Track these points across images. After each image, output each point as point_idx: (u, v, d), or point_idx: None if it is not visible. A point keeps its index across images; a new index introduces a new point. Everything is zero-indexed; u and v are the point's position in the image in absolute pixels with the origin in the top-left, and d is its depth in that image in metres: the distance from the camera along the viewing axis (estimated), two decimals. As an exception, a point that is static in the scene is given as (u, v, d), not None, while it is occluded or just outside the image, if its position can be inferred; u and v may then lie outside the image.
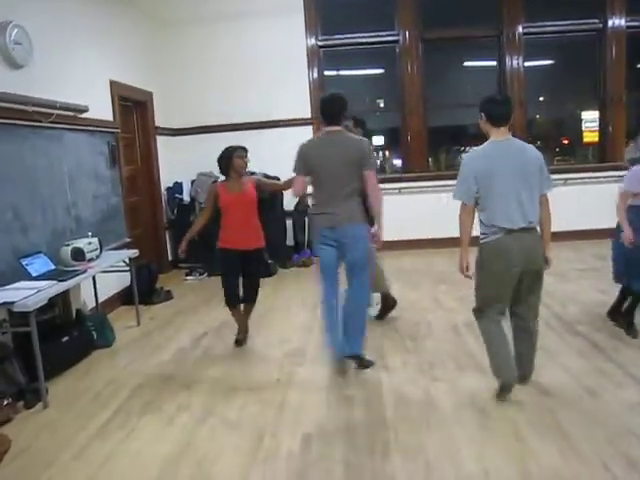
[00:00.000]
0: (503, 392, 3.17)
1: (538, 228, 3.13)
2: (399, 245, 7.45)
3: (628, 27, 7.60)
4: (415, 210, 7.49)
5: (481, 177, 3.07)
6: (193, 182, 7.35)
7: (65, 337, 4.17)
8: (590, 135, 9.69)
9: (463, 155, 3.65)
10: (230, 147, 4.31)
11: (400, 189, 7.58)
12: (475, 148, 3.29)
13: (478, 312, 3.27)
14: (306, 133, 7.50)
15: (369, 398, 3.35)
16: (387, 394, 3.37)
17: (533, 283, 3.12)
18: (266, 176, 7.13)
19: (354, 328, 3.65)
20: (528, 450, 2.68)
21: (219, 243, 4.31)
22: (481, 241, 3.15)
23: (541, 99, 10.79)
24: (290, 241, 7.47)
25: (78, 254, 4.30)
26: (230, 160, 4.21)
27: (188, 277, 6.95)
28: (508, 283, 3.07)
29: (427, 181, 7.65)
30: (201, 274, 6.97)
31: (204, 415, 3.26)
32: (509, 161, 3.06)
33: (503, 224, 3.02)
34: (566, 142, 11.53)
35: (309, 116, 7.59)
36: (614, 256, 4.31)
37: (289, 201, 7.26)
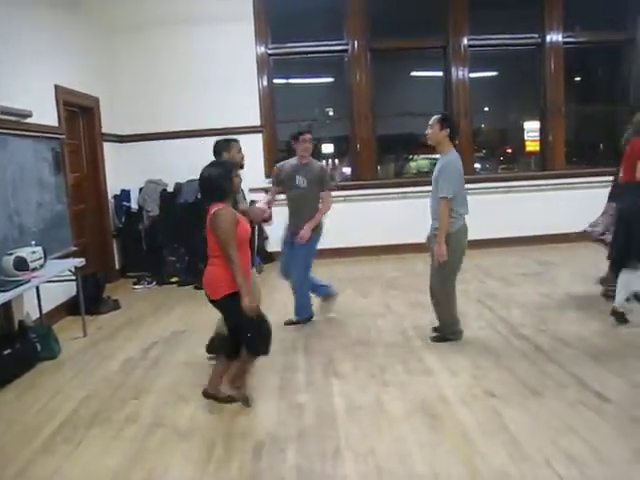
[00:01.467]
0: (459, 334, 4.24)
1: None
2: (349, 252, 7.54)
3: (565, 42, 7.96)
4: (364, 218, 7.57)
5: (460, 176, 4.07)
6: (141, 190, 7.23)
7: (7, 350, 4.02)
8: (532, 144, 10.05)
9: (452, 158, 4.08)
10: (225, 161, 3.74)
11: (345, 197, 7.62)
12: (451, 155, 4.11)
13: (450, 283, 4.21)
14: (256, 141, 7.52)
15: (320, 404, 3.37)
16: (338, 400, 3.39)
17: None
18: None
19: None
20: (476, 451, 2.75)
21: (233, 287, 3.20)
22: (452, 226, 4.04)
23: (486, 109, 11.13)
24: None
25: (21, 264, 4.17)
26: (232, 181, 3.34)
27: (137, 286, 6.81)
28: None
29: (376, 189, 7.74)
30: (149, 283, 6.85)
31: (153, 426, 3.21)
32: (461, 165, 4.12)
33: (466, 212, 4.14)
34: (510, 151, 11.92)
35: (259, 123, 7.58)
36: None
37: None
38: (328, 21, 7.86)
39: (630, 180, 4.46)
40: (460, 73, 7.87)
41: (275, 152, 7.70)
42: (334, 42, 7.86)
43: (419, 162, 9.99)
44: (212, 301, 3.31)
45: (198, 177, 3.30)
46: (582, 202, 7.62)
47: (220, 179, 3.24)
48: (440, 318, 4.33)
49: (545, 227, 7.65)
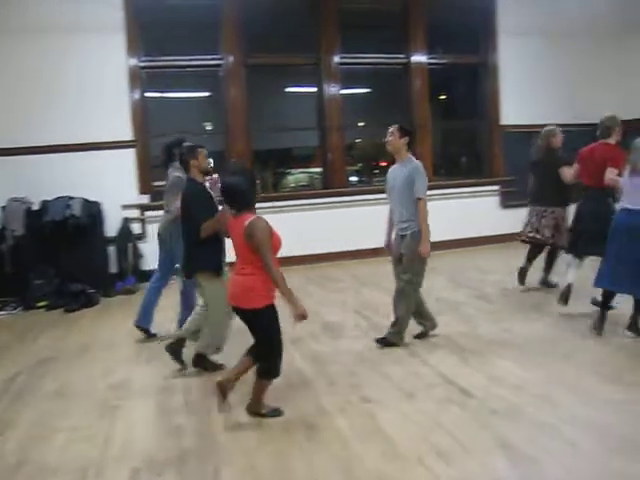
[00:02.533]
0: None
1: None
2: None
3: (429, 63, 8.50)
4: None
5: None
6: (4, 208, 6.70)
7: None
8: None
9: (419, 163, 4.33)
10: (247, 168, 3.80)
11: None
12: (414, 161, 4.35)
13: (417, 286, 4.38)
14: (127, 156, 7.26)
15: (199, 425, 3.32)
16: (217, 419, 3.35)
17: None
18: (87, 202, 6.80)
19: None
20: (353, 455, 2.85)
21: (269, 299, 3.22)
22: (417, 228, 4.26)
23: (361, 124, 11.56)
24: (113, 268, 7.10)
25: None
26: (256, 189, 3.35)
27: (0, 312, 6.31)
28: None
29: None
30: (14, 308, 6.37)
31: (18, 464, 2.98)
32: None
33: None
34: (384, 164, 12.48)
35: (131, 138, 7.33)
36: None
37: (111, 226, 6.97)
38: (203, 35, 7.79)
39: (594, 185, 4.88)
40: (332, 89, 8.12)
41: (149, 167, 7.48)
42: (209, 56, 7.80)
43: (297, 176, 10.19)
44: (242, 311, 3.21)
45: (225, 185, 3.27)
46: (451, 211, 8.23)
47: (249, 187, 3.24)
48: (399, 317, 4.40)
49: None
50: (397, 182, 4.37)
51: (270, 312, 3.20)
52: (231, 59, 7.73)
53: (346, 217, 7.85)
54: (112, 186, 7.04)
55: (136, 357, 4.57)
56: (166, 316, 5.12)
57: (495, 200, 8.74)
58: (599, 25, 8.85)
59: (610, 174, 4.71)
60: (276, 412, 3.35)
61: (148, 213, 7.28)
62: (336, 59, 8.13)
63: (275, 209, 7.64)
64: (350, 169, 10.47)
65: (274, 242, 3.19)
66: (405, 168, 4.33)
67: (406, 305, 4.38)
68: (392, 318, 4.45)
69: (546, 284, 5.88)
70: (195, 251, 3.97)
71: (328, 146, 8.13)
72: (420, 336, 4.54)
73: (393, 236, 4.58)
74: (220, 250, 4.03)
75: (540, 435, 2.94)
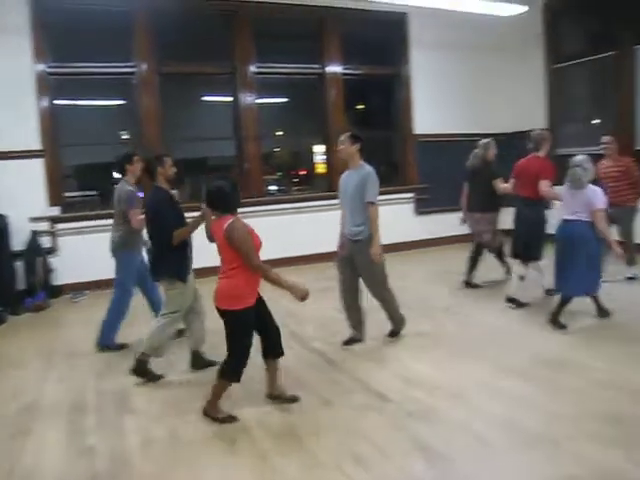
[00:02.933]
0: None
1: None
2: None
3: (344, 74, 8.65)
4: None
5: None
6: None
7: None
8: (321, 166, 10.74)
9: (372, 169, 4.44)
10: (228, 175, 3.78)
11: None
12: (367, 166, 4.45)
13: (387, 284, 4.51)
14: (36, 166, 6.93)
15: (112, 445, 3.19)
16: (132, 437, 3.25)
17: None
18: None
19: None
20: (272, 467, 2.84)
21: (250, 300, 3.36)
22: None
23: (280, 133, 11.62)
24: (21, 284, 6.73)
25: None
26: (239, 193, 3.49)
27: None
28: None
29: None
30: None
31: None
32: None
33: None
34: (303, 173, 12.62)
35: (39, 148, 6.99)
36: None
37: (18, 240, 6.61)
38: (115, 42, 7.54)
39: (529, 196, 5.29)
40: (248, 99, 8.09)
41: (59, 178, 7.16)
42: (122, 64, 7.56)
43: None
44: (223, 312, 3.31)
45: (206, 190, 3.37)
46: (383, 218, 8.38)
47: (232, 191, 3.36)
48: (393, 316, 4.63)
49: (331, 245, 8.18)
50: (349, 188, 4.47)
51: (248, 314, 3.32)
52: (144, 67, 7.54)
53: (264, 227, 7.80)
54: (19, 198, 6.67)
55: (46, 376, 4.33)
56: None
57: (410, 207, 9.01)
58: (500, 42, 9.37)
59: (544, 186, 5.18)
60: (231, 418, 3.37)
61: (60, 225, 6.97)
62: (252, 68, 8.10)
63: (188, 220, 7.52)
64: (269, 178, 10.52)
65: (255, 241, 3.32)
66: (358, 174, 4.43)
67: (388, 303, 4.60)
68: (308, 325, 4.52)
69: (470, 285, 6.22)
70: (162, 257, 4.05)
71: (245, 155, 8.09)
72: (349, 342, 4.60)
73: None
74: (186, 256, 4.15)
75: (453, 434, 3.05)
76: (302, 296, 3.35)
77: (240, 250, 3.23)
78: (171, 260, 4.03)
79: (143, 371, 4.04)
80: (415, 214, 9.00)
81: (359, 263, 4.44)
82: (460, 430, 3.09)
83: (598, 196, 4.51)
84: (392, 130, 9.38)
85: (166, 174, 4.16)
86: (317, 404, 3.54)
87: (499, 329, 4.81)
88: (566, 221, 4.64)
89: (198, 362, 4.25)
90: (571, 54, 8.81)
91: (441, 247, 8.71)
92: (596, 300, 4.81)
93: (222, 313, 3.34)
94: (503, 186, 5.82)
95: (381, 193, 8.51)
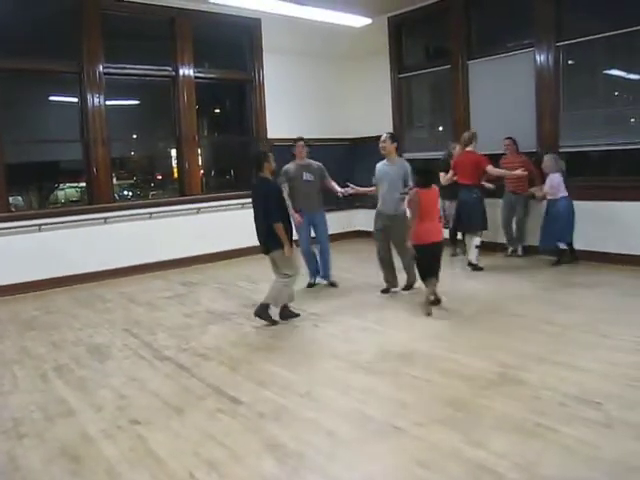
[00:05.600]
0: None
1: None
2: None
3: (196, 77, 8.54)
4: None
5: None
6: None
7: None
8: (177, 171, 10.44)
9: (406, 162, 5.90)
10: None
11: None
12: (403, 159, 6.09)
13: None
14: None
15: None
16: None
17: None
18: None
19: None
20: (120, 481, 2.72)
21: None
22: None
23: (134, 136, 11.16)
24: None
25: None
26: None
27: None
28: None
29: (8, 222, 6.96)
30: None
31: None
32: None
33: None
34: (160, 177, 12.22)
35: None
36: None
37: None
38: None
39: (468, 182, 6.83)
40: (96, 100, 7.68)
41: None
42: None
43: (67, 191, 9.44)
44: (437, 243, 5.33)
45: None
46: (221, 223, 8.36)
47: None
48: (410, 271, 5.91)
49: (188, 250, 8.06)
50: (390, 176, 5.76)
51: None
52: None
53: (112, 234, 7.50)
54: None
55: None
56: None
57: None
58: (351, 51, 9.83)
59: (492, 170, 6.84)
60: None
61: None
62: (100, 68, 7.71)
63: (33, 228, 7.00)
64: (124, 183, 10.07)
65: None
66: (398, 166, 5.78)
67: (409, 261, 5.73)
68: (159, 333, 4.46)
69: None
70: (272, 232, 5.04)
71: (93, 159, 7.66)
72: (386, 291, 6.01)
73: None
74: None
75: (304, 431, 3.13)
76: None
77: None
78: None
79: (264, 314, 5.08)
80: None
81: (394, 231, 5.73)
82: (311, 426, 3.18)
83: None
84: (247, 134, 9.41)
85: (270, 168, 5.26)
86: (169, 413, 3.44)
87: (352, 327, 5.00)
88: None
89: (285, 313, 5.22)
90: (412, 65, 9.45)
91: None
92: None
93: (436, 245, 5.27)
94: (444, 177, 7.26)
95: (234, 197, 8.63)
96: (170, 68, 8.40)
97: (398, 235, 5.70)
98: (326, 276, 6.53)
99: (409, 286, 6.00)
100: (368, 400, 3.48)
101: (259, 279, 6.93)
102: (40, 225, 7.03)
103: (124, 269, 7.55)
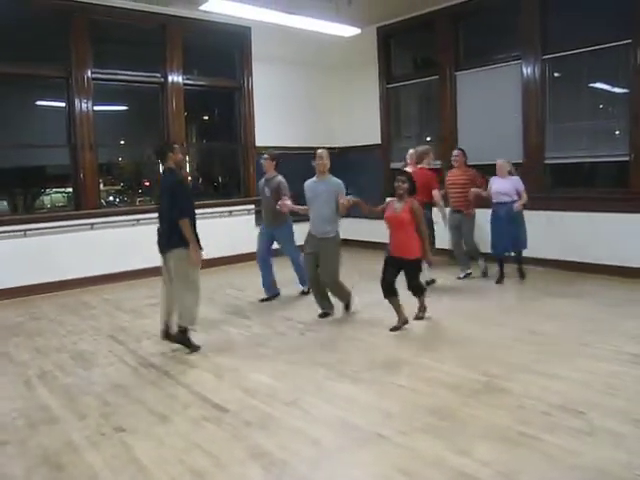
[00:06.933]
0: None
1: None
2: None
3: (185, 84, 8.55)
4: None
5: None
6: None
7: None
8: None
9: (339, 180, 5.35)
10: None
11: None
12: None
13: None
14: None
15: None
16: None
17: None
18: None
19: None
20: (101, 489, 2.71)
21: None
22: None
23: (122, 142, 11.11)
24: None
25: None
26: None
27: None
28: None
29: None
30: None
31: None
32: None
33: None
34: (147, 184, 12.19)
35: None
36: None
37: None
38: None
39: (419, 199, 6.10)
40: (84, 105, 7.65)
41: None
42: None
43: (53, 196, 9.37)
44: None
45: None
46: (209, 230, 8.32)
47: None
48: (342, 295, 5.51)
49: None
50: (322, 195, 5.28)
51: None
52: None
53: (99, 240, 7.47)
54: None
55: None
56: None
57: (251, 219, 9.06)
58: (340, 61, 9.90)
59: (437, 196, 6.55)
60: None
61: None
62: (88, 73, 7.69)
63: (18, 233, 6.95)
64: (111, 189, 10.01)
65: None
66: (328, 183, 5.30)
67: (338, 287, 5.45)
68: (145, 340, 4.54)
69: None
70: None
71: (80, 165, 7.63)
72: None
73: None
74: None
75: (289, 439, 3.13)
76: None
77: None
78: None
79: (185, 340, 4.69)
80: (256, 225, 9.09)
81: (322, 256, 5.26)
82: (296, 435, 3.18)
83: None
84: (235, 142, 9.43)
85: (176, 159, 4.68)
86: (153, 420, 3.43)
87: (340, 334, 5.02)
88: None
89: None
90: (401, 76, 9.53)
91: (283, 257, 8.85)
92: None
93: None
94: None
95: (223, 205, 8.64)
96: (159, 74, 8.41)
97: (325, 261, 5.27)
98: (300, 283, 6.54)
99: (346, 306, 5.63)
100: (353, 409, 3.49)
101: (246, 287, 6.93)
102: (25, 230, 6.99)
103: (110, 275, 7.51)
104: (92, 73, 7.75)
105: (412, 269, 5.00)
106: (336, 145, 10.04)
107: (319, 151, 5.45)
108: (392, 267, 4.99)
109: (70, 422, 3.48)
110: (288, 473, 2.81)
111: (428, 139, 9.49)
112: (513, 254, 6.74)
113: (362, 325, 5.25)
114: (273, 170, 6.25)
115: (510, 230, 6.45)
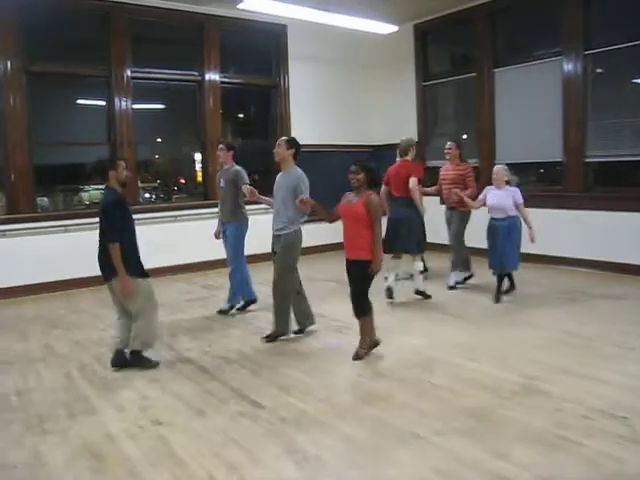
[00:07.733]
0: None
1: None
2: (15, 292, 6.79)
3: (222, 82, 8.62)
4: (21, 254, 6.89)
5: None
6: None
7: None
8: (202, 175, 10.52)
9: (302, 172, 4.73)
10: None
11: (5, 232, 6.89)
12: (299, 170, 4.76)
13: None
14: None
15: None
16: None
17: None
18: None
19: None
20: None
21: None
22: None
23: (159, 140, 11.28)
24: None
25: None
26: None
27: None
28: None
29: (35, 222, 7.10)
30: None
31: None
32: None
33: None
34: (183, 181, 12.35)
35: None
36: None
37: None
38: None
39: (402, 195, 5.94)
40: (123, 104, 7.81)
41: None
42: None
43: (91, 193, 9.58)
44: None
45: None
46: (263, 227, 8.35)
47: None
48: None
49: (211, 253, 8.09)
50: (284, 188, 4.77)
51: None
52: (9, 65, 7.00)
53: (138, 235, 7.54)
54: None
55: None
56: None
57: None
58: (377, 58, 9.83)
59: (412, 183, 5.83)
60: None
61: None
62: (128, 72, 7.84)
63: (59, 228, 7.12)
64: (148, 186, 10.17)
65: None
66: (290, 178, 4.75)
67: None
68: (181, 335, 4.41)
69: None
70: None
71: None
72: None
73: None
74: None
75: (322, 435, 3.13)
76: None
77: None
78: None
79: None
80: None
81: (277, 256, 4.79)
82: (330, 432, 3.18)
83: None
84: (271, 140, 9.45)
85: (118, 177, 4.29)
86: (190, 415, 3.47)
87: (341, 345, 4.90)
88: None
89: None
90: (438, 73, 9.42)
91: (316, 255, 8.82)
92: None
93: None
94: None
95: (259, 203, 8.50)
96: (196, 73, 8.50)
97: (278, 261, 4.76)
98: (231, 300, 5.81)
99: (272, 336, 4.84)
100: (387, 407, 3.47)
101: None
102: (66, 226, 7.15)
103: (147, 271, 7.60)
104: (131, 72, 7.89)
105: (357, 274, 4.24)
106: (373, 143, 9.99)
107: (279, 139, 4.94)
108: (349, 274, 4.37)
109: (109, 414, 3.55)
110: (323, 470, 2.82)
111: (464, 137, 9.37)
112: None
113: (395, 324, 5.20)
114: (231, 160, 5.74)
115: (504, 248, 5.68)
